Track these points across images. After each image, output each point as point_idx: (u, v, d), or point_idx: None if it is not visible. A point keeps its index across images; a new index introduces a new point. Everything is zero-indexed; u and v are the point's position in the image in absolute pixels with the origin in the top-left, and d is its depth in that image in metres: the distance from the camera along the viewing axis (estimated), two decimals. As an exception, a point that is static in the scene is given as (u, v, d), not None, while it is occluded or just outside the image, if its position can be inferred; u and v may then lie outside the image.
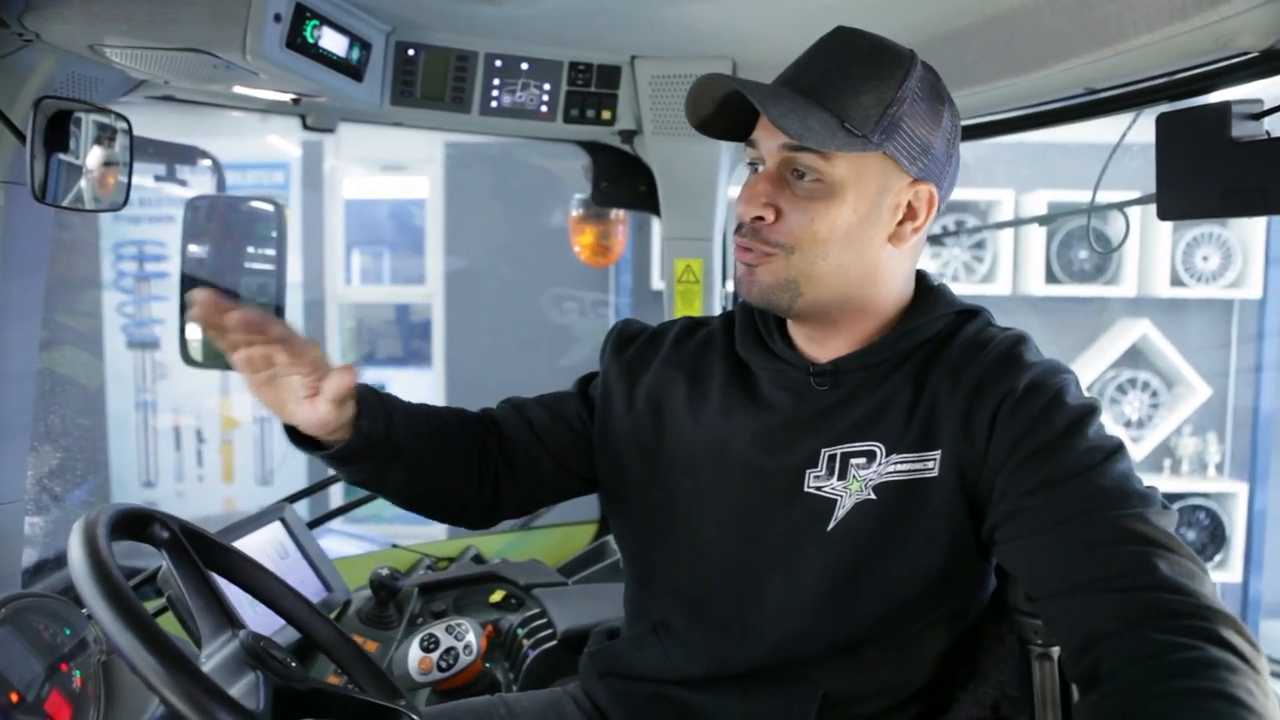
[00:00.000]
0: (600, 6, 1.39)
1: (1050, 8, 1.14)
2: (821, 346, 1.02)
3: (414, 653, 1.45)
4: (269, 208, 1.76)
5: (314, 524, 1.79)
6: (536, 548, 2.11)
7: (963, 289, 4.17)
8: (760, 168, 0.98)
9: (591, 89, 1.65)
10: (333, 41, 1.33)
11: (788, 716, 1.01)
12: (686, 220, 1.81)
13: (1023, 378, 0.93)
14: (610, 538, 2.07)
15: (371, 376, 4.92)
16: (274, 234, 1.74)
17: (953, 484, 0.94)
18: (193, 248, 1.68)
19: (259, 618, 1.33)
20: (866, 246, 0.96)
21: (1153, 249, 4.13)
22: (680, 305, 1.86)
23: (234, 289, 1.70)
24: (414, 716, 0.88)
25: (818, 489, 0.99)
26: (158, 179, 2.20)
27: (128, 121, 1.28)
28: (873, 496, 0.97)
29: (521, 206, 4.59)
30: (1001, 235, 4.20)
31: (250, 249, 1.72)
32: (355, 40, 1.39)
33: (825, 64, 0.94)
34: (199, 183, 2.50)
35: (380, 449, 1.04)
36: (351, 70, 1.41)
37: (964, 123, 1.57)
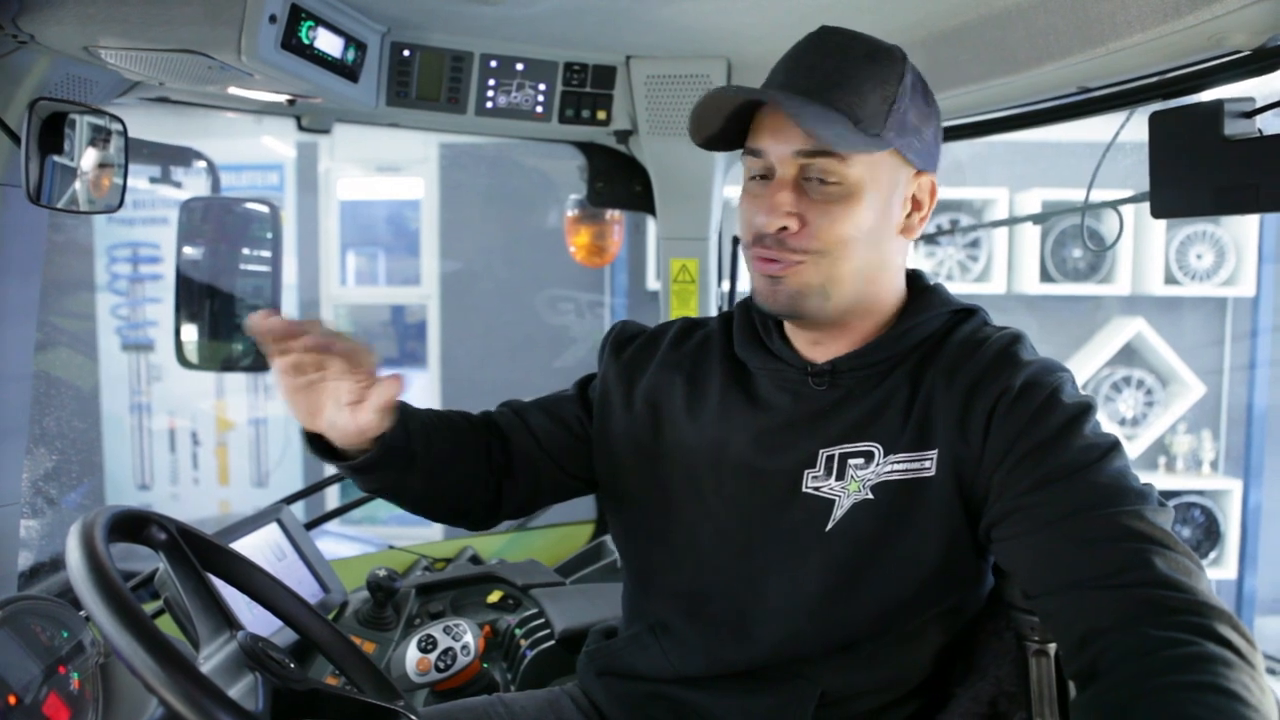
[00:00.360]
0: (595, 7, 1.39)
1: (1043, 7, 1.15)
2: (820, 347, 1.03)
3: (412, 653, 1.45)
4: (264, 209, 1.76)
5: (311, 525, 1.78)
6: (534, 548, 2.11)
7: (958, 288, 4.16)
8: (765, 177, 0.96)
9: (587, 89, 1.65)
10: (328, 42, 1.33)
11: (786, 714, 1.01)
12: (682, 220, 1.81)
13: (1018, 376, 0.93)
14: (607, 538, 2.07)
15: (367, 378, 4.91)
16: (269, 235, 1.74)
17: (949, 483, 0.95)
18: (188, 249, 1.68)
19: (256, 619, 1.33)
20: (883, 242, 0.98)
21: (1146, 247, 4.15)
22: (676, 305, 1.86)
23: (229, 290, 1.70)
24: (412, 717, 0.88)
25: (816, 489, 1.00)
26: (152, 180, 2.19)
27: (122, 123, 1.28)
28: (870, 496, 0.97)
29: (517, 207, 4.59)
30: (996, 234, 4.20)
31: (245, 250, 1.72)
32: (350, 41, 1.39)
33: (825, 65, 0.94)
34: (193, 184, 2.50)
35: (400, 457, 1.04)
36: (347, 71, 1.41)
37: (958, 122, 1.59)
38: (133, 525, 0.86)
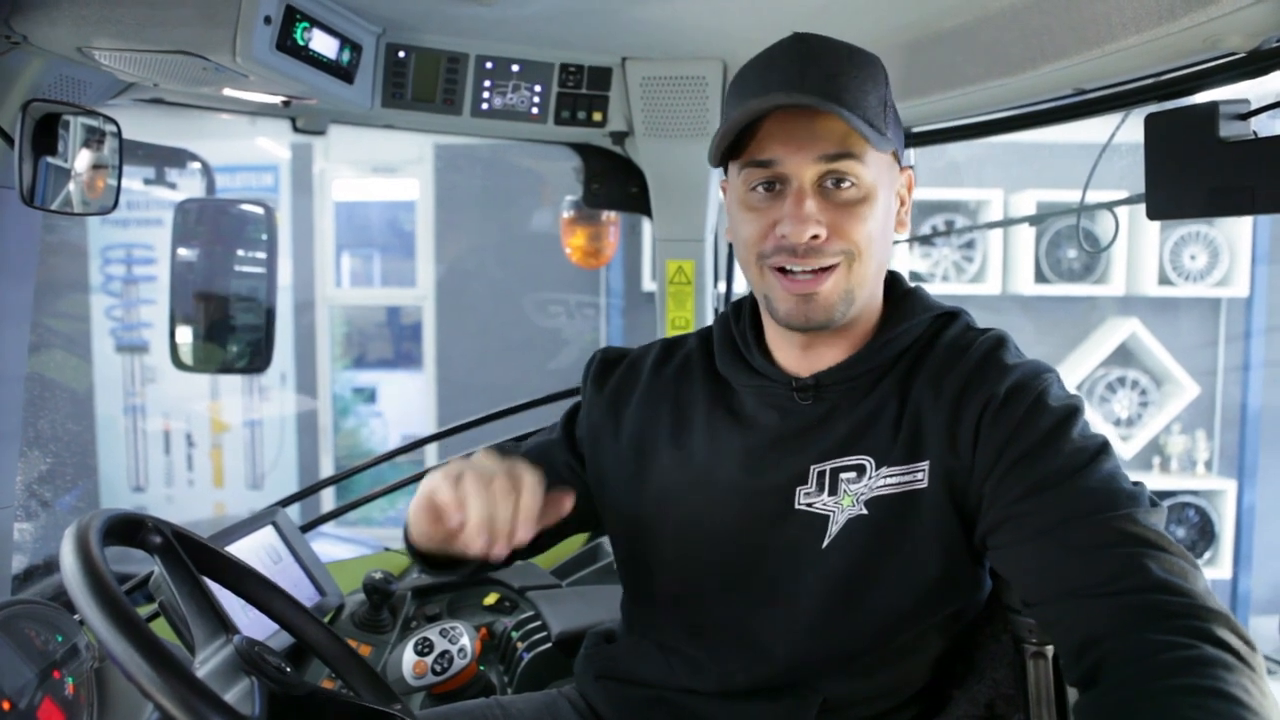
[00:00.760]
0: (591, 8, 1.39)
1: (1039, 8, 1.15)
2: (805, 360, 1.02)
3: (408, 656, 1.45)
4: (259, 210, 1.76)
5: (306, 528, 1.78)
6: (530, 550, 2.10)
7: (953, 289, 4.19)
8: (772, 187, 0.95)
9: (582, 90, 1.65)
10: (323, 43, 1.32)
11: None
12: (678, 221, 1.81)
13: (1003, 382, 0.93)
14: (603, 540, 2.07)
15: (363, 380, 4.91)
16: (264, 237, 1.73)
17: (942, 493, 0.94)
18: (183, 251, 1.67)
19: (252, 623, 1.32)
20: (887, 240, 0.98)
21: (1141, 248, 4.16)
22: (673, 306, 1.86)
23: (225, 292, 1.69)
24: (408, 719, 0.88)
25: (809, 505, 0.99)
26: (147, 182, 2.19)
27: (116, 124, 1.27)
28: (864, 512, 0.96)
29: (512, 209, 4.59)
30: (991, 235, 4.21)
31: (240, 252, 1.72)
32: (346, 42, 1.39)
33: (824, 70, 0.92)
34: (188, 186, 2.49)
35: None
36: (342, 72, 1.41)
37: (954, 123, 1.59)
38: (128, 529, 0.86)
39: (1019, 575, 0.90)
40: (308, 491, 1.95)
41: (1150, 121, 1.09)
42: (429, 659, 1.44)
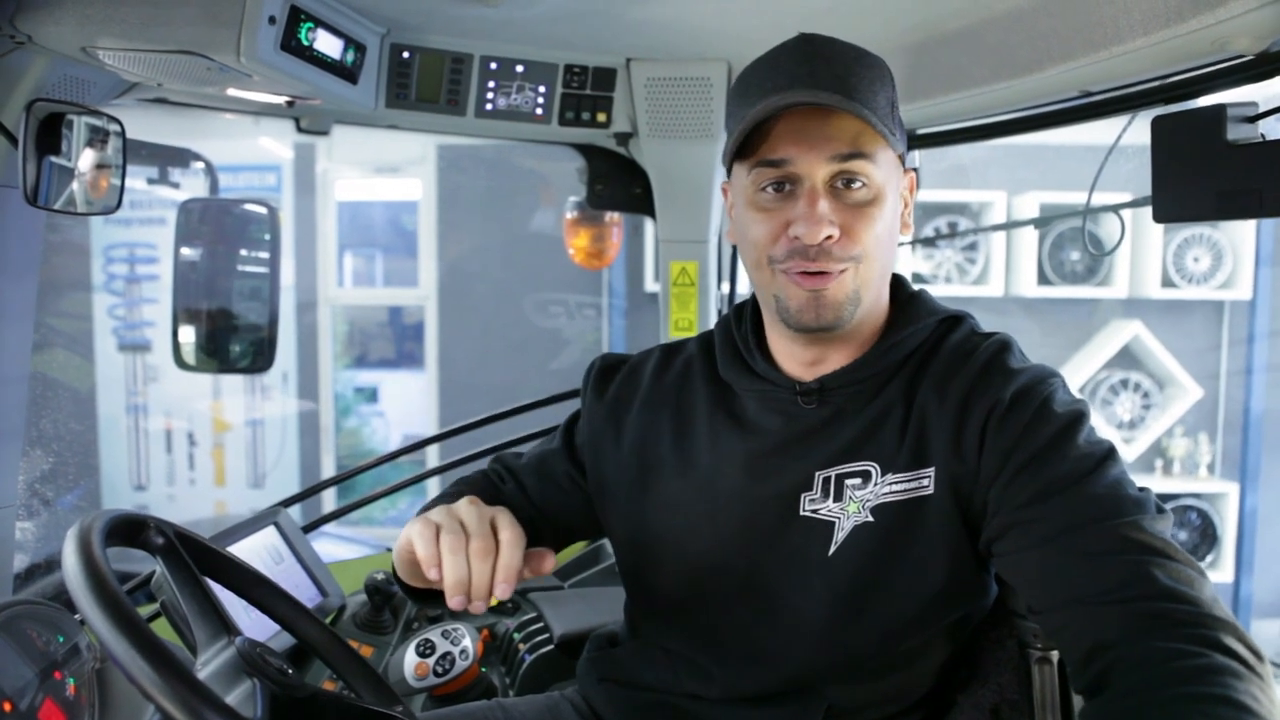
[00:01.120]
0: (595, 9, 1.39)
1: (1045, 10, 1.14)
2: (809, 364, 1.01)
3: (410, 658, 1.45)
4: (262, 210, 1.76)
5: (308, 528, 1.78)
6: (532, 551, 2.10)
7: (955, 290, 4.18)
8: (782, 187, 0.94)
9: (587, 91, 1.65)
10: (327, 44, 1.32)
11: None
12: (682, 223, 1.81)
13: (1009, 387, 0.92)
14: (605, 541, 2.07)
15: (363, 379, 4.92)
16: (267, 236, 1.73)
17: (948, 500, 0.94)
18: (186, 250, 1.67)
19: (254, 623, 1.32)
20: (893, 241, 0.98)
21: (1144, 250, 4.15)
22: (676, 308, 1.86)
23: (227, 291, 1.69)
24: (412, 723, 0.87)
25: (814, 512, 0.98)
26: (150, 182, 2.18)
27: (120, 124, 1.27)
28: (870, 519, 0.96)
29: (515, 209, 4.59)
30: (994, 237, 4.21)
31: (244, 251, 1.72)
32: (350, 42, 1.39)
33: (833, 69, 0.92)
34: (191, 185, 2.49)
35: None
36: (346, 73, 1.41)
37: (960, 125, 1.59)
38: (130, 529, 0.85)
39: (1025, 582, 0.89)
40: (310, 492, 1.94)
41: (1157, 124, 1.08)
42: (431, 660, 1.44)
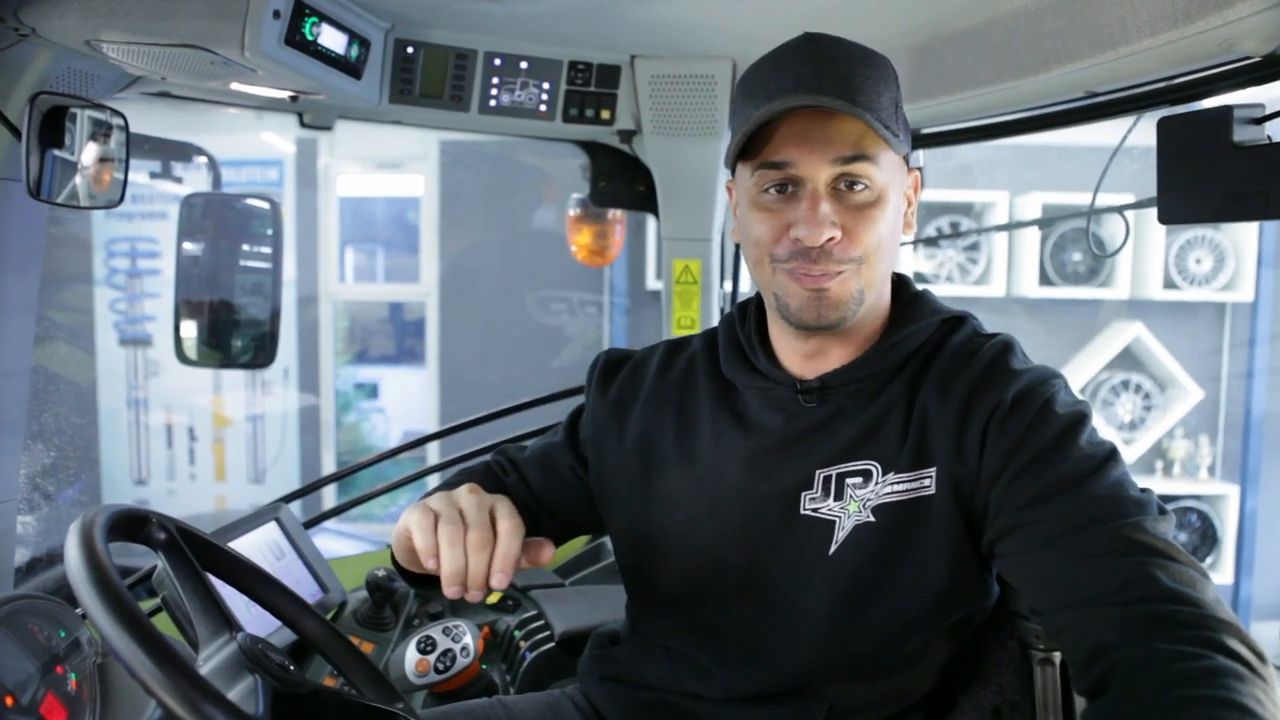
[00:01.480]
0: (600, 6, 1.38)
1: (1052, 11, 1.14)
2: (811, 362, 1.01)
3: (411, 655, 1.45)
4: (265, 205, 1.75)
5: (309, 524, 1.77)
6: (532, 548, 2.09)
7: (957, 290, 4.18)
8: (784, 189, 0.94)
9: (591, 88, 1.64)
10: (332, 39, 1.32)
11: None
12: (685, 220, 1.81)
13: (1010, 388, 0.92)
14: (606, 539, 2.07)
15: (364, 375, 4.91)
16: (269, 231, 1.73)
17: (950, 500, 0.93)
18: (188, 245, 1.67)
19: (255, 619, 1.32)
20: (896, 242, 0.98)
21: (1146, 252, 4.15)
22: (679, 306, 1.85)
23: (230, 286, 1.69)
24: (411, 719, 0.87)
25: (814, 510, 0.98)
26: (153, 176, 2.18)
27: (124, 118, 1.27)
28: (871, 519, 0.96)
29: (517, 205, 4.58)
30: (996, 237, 4.20)
31: (246, 246, 1.72)
32: (354, 37, 1.38)
33: (838, 70, 0.91)
34: (194, 180, 2.49)
35: None
36: (350, 68, 1.40)
37: (966, 125, 1.58)
38: (132, 524, 0.85)
39: (1027, 583, 0.89)
40: (310, 488, 1.94)
41: (1163, 125, 1.08)
42: (431, 657, 1.44)
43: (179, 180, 2.23)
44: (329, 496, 3.64)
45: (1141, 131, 1.30)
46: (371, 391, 4.93)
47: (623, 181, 1.88)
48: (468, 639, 1.47)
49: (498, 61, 1.60)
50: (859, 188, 0.92)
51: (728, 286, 1.94)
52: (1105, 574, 0.81)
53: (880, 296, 1.00)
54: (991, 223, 4.15)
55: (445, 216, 4.63)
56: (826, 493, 0.97)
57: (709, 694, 1.04)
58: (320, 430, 4.67)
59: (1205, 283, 4.16)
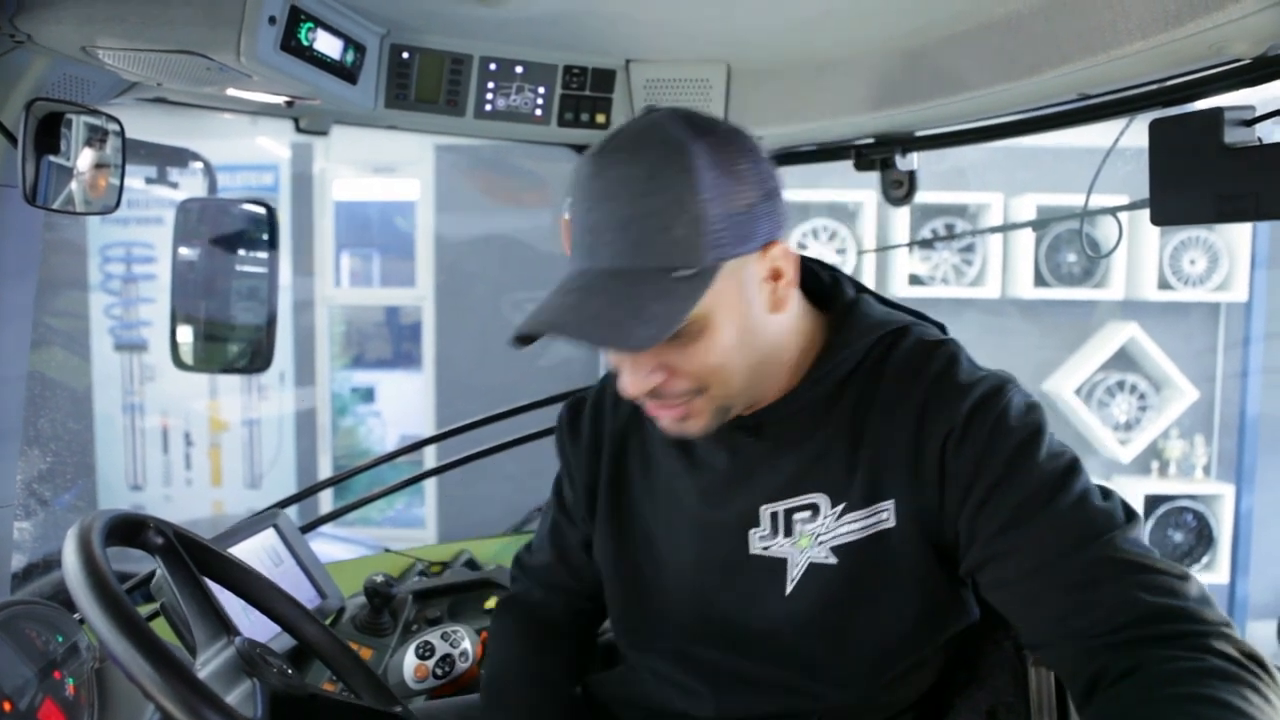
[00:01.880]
0: (594, 10, 1.39)
1: (1044, 14, 1.15)
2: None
3: (409, 660, 1.44)
4: (260, 210, 1.75)
5: (305, 529, 1.77)
6: (529, 551, 2.10)
7: (952, 292, 4.19)
8: None
9: (586, 92, 1.65)
10: (327, 44, 1.32)
11: None
12: (681, 224, 1.81)
13: (961, 407, 0.88)
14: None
15: (360, 379, 4.91)
16: (265, 236, 1.73)
17: (913, 531, 0.91)
18: (184, 250, 1.67)
19: (253, 625, 1.32)
20: (759, 334, 0.90)
21: (1140, 252, 4.17)
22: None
23: (226, 291, 1.69)
24: (411, 723, 0.87)
25: (765, 550, 0.96)
26: (149, 181, 2.18)
27: (120, 124, 1.27)
28: (832, 559, 0.93)
29: (512, 209, 4.59)
30: (991, 238, 4.22)
31: (242, 251, 1.72)
32: (350, 43, 1.39)
33: (615, 213, 0.83)
34: (189, 185, 2.49)
35: None
36: (346, 73, 1.41)
37: (958, 128, 1.59)
38: (130, 529, 0.86)
39: (1013, 616, 0.88)
40: (307, 493, 1.94)
41: (1155, 127, 1.09)
42: (430, 662, 1.44)
43: (175, 185, 2.23)
44: (326, 501, 3.64)
45: (1134, 133, 1.30)
46: (368, 395, 4.93)
47: (618, 185, 1.89)
48: (466, 644, 1.47)
49: (493, 66, 1.60)
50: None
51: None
52: (1088, 606, 0.81)
53: (763, 377, 0.93)
54: (986, 224, 4.16)
55: (441, 220, 4.63)
56: (775, 530, 0.95)
57: (702, 714, 1.03)
58: (317, 434, 4.66)
59: (1199, 283, 4.18)
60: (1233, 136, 1.01)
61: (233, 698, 0.76)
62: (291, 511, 1.74)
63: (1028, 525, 0.84)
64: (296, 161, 4.60)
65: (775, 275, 0.90)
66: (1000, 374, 0.93)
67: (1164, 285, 4.16)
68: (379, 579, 1.64)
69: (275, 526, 1.62)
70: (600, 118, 1.66)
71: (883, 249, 4.25)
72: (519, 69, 1.61)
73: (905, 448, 0.90)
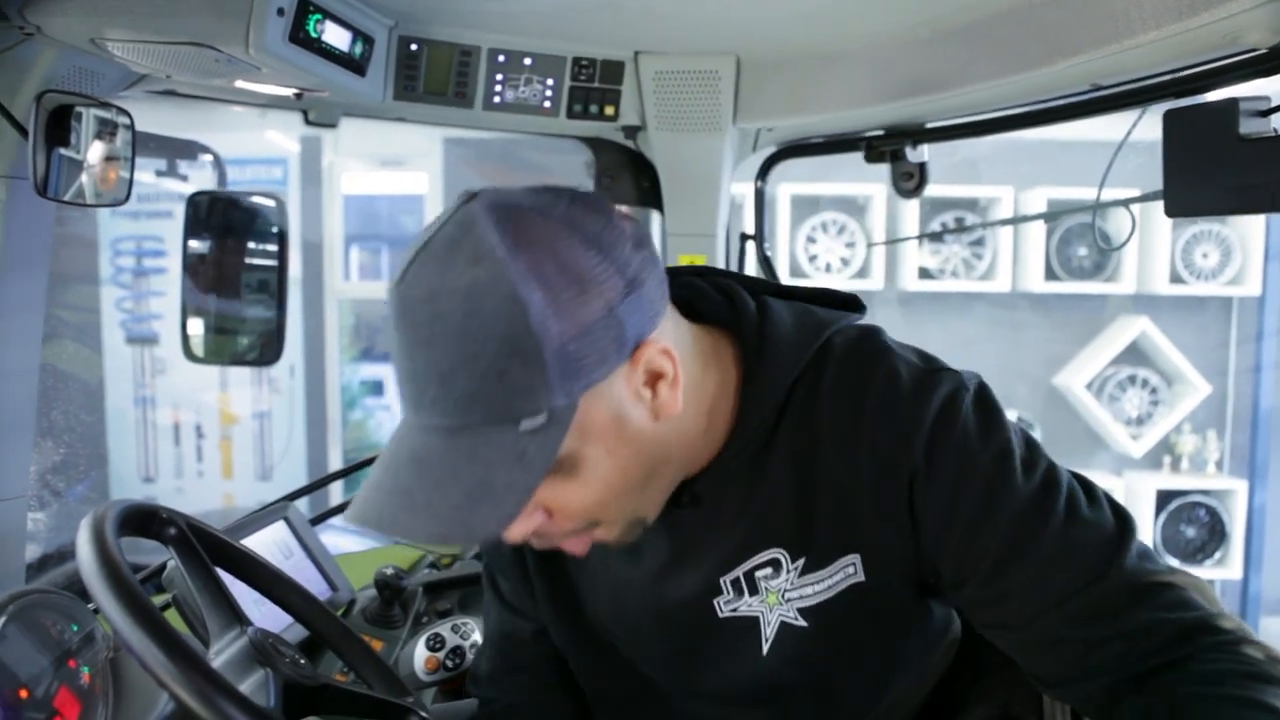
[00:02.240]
0: (602, 2, 1.39)
1: (1055, 4, 1.14)
2: None
3: (420, 652, 1.45)
4: (271, 203, 1.76)
5: (315, 520, 1.78)
6: (538, 544, 2.10)
7: (962, 286, 4.18)
8: None
9: (595, 84, 1.64)
10: (335, 36, 1.32)
11: None
12: (690, 216, 1.81)
13: (917, 445, 0.79)
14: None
15: (370, 372, 4.92)
16: (275, 229, 1.73)
17: (887, 581, 0.85)
18: (194, 243, 1.68)
19: (265, 617, 1.32)
20: (646, 450, 0.77)
21: (1152, 246, 4.14)
22: (683, 301, 1.85)
23: (236, 284, 1.70)
24: (422, 713, 0.88)
25: (734, 612, 0.88)
26: (159, 174, 2.19)
27: (129, 116, 1.27)
28: (802, 623, 0.87)
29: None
30: (1001, 232, 4.20)
31: (252, 244, 1.72)
32: (358, 34, 1.39)
33: (433, 362, 0.69)
34: (199, 178, 2.50)
35: None
36: (354, 65, 1.41)
37: (968, 119, 1.58)
38: (143, 519, 0.86)
39: (1023, 660, 0.83)
40: (317, 485, 1.95)
41: (1169, 118, 1.08)
42: (441, 654, 1.44)
43: (184, 178, 2.24)
44: (336, 493, 3.65)
45: (1146, 125, 1.29)
46: (377, 389, 4.94)
47: (627, 177, 1.88)
48: (476, 635, 1.47)
49: (501, 58, 1.60)
50: None
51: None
52: (1105, 642, 0.76)
53: (672, 472, 0.82)
54: (997, 219, 4.14)
55: (449, 214, 4.63)
56: (740, 591, 0.87)
57: None
58: (327, 427, 4.68)
59: (1212, 277, 4.15)
60: (1248, 127, 1.00)
61: (246, 687, 0.77)
62: (302, 504, 1.75)
63: (1021, 562, 0.78)
64: (305, 155, 4.61)
65: (654, 379, 0.74)
66: (940, 376, 0.83)
67: (1176, 279, 4.13)
68: (389, 571, 1.65)
69: (286, 519, 1.62)
70: (609, 109, 1.66)
71: (892, 241, 4.23)
72: (527, 61, 1.61)
73: (866, 495, 0.82)
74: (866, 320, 0.91)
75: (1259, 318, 4.23)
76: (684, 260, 1.85)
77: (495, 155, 4.59)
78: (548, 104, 1.64)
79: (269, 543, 1.57)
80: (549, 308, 0.66)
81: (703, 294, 0.88)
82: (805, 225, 4.26)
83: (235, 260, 1.71)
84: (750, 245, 1.93)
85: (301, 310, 4.55)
